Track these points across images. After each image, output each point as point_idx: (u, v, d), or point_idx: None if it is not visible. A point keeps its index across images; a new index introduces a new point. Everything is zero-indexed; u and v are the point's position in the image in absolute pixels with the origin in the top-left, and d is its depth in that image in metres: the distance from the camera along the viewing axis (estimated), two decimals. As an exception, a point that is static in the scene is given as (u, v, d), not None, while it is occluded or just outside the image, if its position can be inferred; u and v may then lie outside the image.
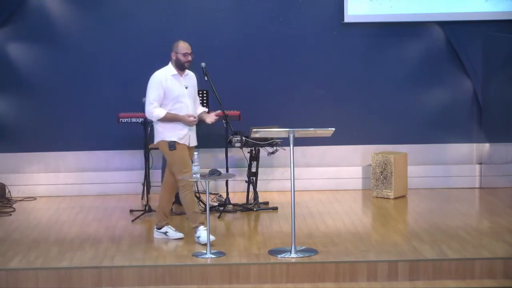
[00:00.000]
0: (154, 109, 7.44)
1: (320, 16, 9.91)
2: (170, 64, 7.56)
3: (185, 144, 7.51)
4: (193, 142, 7.62)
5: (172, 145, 7.44)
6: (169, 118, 7.43)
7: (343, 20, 9.86)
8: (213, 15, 9.85)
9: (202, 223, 7.43)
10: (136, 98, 9.00)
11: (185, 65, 7.50)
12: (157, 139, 7.58)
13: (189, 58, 7.50)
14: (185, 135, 7.50)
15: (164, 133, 7.50)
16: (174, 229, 7.72)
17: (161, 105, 7.45)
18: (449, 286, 6.71)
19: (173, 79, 7.49)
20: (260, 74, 9.91)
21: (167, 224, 7.72)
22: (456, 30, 9.90)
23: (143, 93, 9.01)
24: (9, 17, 9.69)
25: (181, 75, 7.53)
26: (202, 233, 7.37)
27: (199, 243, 7.36)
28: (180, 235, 7.67)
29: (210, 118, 7.65)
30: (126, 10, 9.80)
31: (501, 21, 9.83)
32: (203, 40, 9.79)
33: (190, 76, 7.65)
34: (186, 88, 7.52)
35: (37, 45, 9.77)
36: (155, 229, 7.75)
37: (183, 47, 7.47)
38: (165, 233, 7.67)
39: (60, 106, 9.85)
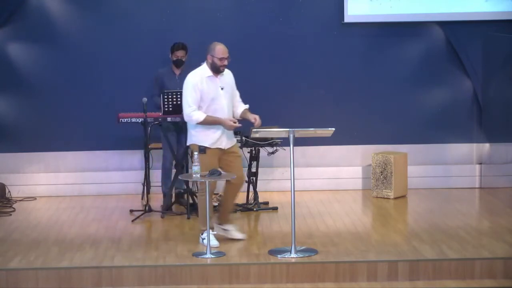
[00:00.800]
0: (193, 113, 7.32)
1: (320, 16, 9.91)
2: (204, 64, 7.42)
3: (219, 148, 7.40)
4: (229, 144, 7.48)
5: (202, 149, 7.38)
6: (209, 122, 7.32)
7: (343, 20, 9.86)
8: (213, 15, 9.85)
9: (211, 228, 7.41)
10: (136, 98, 9.01)
11: (220, 69, 7.34)
12: (190, 141, 7.52)
13: (225, 62, 7.34)
14: (218, 139, 7.37)
15: (197, 136, 7.42)
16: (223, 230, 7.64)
17: (198, 107, 7.35)
18: (449, 286, 6.71)
19: (209, 81, 7.36)
20: (260, 74, 9.91)
21: (229, 220, 7.67)
22: (456, 30, 9.90)
23: (143, 93, 9.06)
24: (9, 17, 9.68)
25: (217, 76, 7.39)
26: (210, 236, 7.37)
27: (203, 245, 7.34)
28: (242, 235, 7.58)
29: (258, 123, 7.49)
30: (126, 10, 9.80)
31: (501, 21, 9.83)
32: (203, 40, 9.74)
33: (226, 76, 7.47)
34: (222, 89, 7.38)
35: (37, 45, 9.77)
36: (218, 225, 7.65)
37: (220, 51, 7.31)
38: (225, 230, 7.60)
39: (60, 106, 9.85)
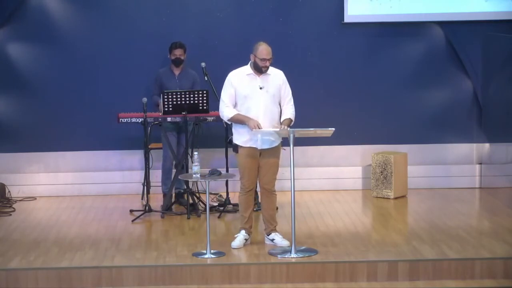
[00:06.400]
0: (224, 108, 7.29)
1: (320, 16, 9.91)
2: (249, 63, 7.34)
3: (254, 147, 7.29)
4: (266, 145, 7.30)
5: (235, 148, 7.38)
6: (236, 120, 7.26)
7: (343, 20, 9.86)
8: (213, 15, 9.85)
9: (242, 228, 7.43)
10: (136, 98, 9.02)
11: (262, 69, 7.24)
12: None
13: (267, 64, 7.24)
14: (251, 139, 7.27)
15: (234, 134, 7.42)
16: (281, 237, 7.45)
17: (235, 104, 7.29)
18: (449, 286, 6.71)
19: (247, 78, 7.29)
20: (260, 74, 9.90)
21: (272, 230, 7.49)
22: (456, 30, 9.90)
23: (143, 93, 9.07)
24: (9, 17, 9.68)
25: (258, 75, 7.28)
26: (239, 237, 7.43)
27: (232, 248, 7.32)
28: (286, 243, 7.36)
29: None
30: (126, 10, 9.79)
31: (501, 21, 9.82)
32: (203, 40, 9.79)
33: (272, 76, 7.34)
34: (261, 88, 7.27)
35: (37, 45, 9.76)
36: (265, 235, 7.56)
37: (262, 52, 7.19)
38: (272, 240, 7.45)
39: (60, 106, 9.85)
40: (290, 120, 7.36)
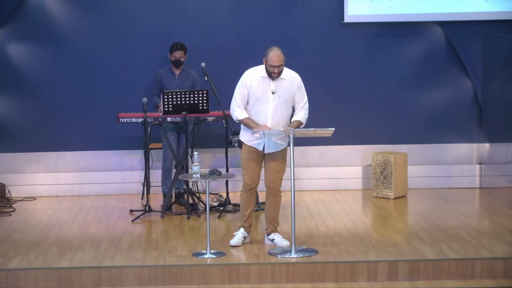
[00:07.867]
0: (236, 108, 7.25)
1: (320, 16, 9.90)
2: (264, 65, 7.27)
3: (256, 148, 7.32)
4: (271, 149, 7.33)
5: (240, 143, 7.40)
6: (245, 124, 7.25)
7: (343, 20, 9.86)
8: (213, 15, 9.84)
9: (241, 226, 7.45)
10: (136, 98, 9.02)
11: (272, 75, 7.16)
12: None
13: (276, 70, 7.10)
14: (255, 140, 7.28)
15: (241, 131, 7.42)
16: (281, 237, 7.46)
17: (247, 103, 7.25)
18: (449, 286, 6.71)
19: (260, 81, 7.20)
20: (260, 74, 9.89)
21: (273, 231, 7.49)
22: (456, 30, 9.90)
23: (143, 93, 9.07)
24: (9, 17, 9.68)
25: (272, 79, 7.21)
26: (238, 235, 7.45)
27: (230, 245, 7.36)
28: (286, 243, 7.37)
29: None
30: (126, 10, 9.79)
31: (501, 21, 9.82)
32: (203, 40, 9.78)
33: (287, 81, 7.23)
34: (273, 93, 7.20)
35: (37, 45, 9.76)
36: (265, 235, 7.57)
37: (272, 59, 7.08)
38: (272, 240, 7.46)
39: (60, 106, 9.84)
40: (299, 122, 7.32)
